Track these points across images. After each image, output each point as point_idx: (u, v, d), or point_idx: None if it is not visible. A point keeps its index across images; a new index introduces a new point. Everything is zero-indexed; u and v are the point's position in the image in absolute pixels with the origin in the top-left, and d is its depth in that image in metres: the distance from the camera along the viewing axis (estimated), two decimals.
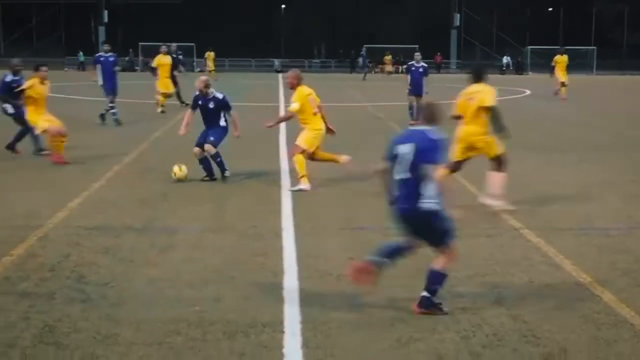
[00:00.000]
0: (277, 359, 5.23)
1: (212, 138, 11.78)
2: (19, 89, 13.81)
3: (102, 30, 71.80)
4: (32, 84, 13.77)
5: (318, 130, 11.49)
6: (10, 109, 14.25)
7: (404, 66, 32.64)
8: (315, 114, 11.47)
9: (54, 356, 5.16)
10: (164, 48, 24.65)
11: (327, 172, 12.19)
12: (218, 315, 5.96)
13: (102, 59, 21.01)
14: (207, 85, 12.04)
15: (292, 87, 11.79)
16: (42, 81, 13.86)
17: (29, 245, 7.92)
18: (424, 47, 42.43)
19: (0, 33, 77.72)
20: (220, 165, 11.89)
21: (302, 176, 11.25)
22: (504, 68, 62.45)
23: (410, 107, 20.52)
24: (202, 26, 69.94)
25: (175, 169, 11.65)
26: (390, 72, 55.21)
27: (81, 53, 61.29)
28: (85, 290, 6.51)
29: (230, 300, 6.31)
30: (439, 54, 66.04)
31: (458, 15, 71.92)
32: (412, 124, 15.46)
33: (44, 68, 14.01)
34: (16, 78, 14.43)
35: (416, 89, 20.35)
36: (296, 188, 11.14)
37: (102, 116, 19.91)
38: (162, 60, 24.12)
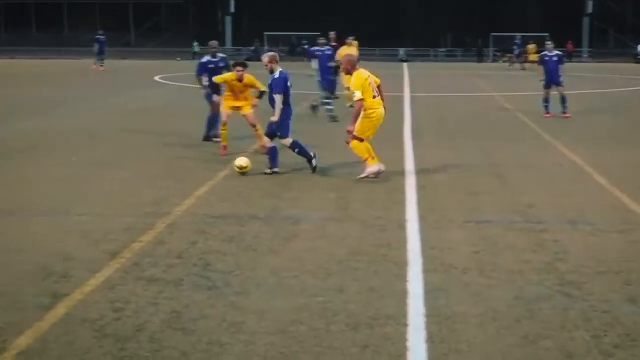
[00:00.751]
0: (401, 353, 5.22)
1: (279, 133, 11.66)
2: (215, 79, 13.98)
3: (228, 20, 73.28)
4: (227, 78, 13.60)
5: (375, 115, 11.10)
6: (206, 85, 14.73)
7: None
8: (374, 97, 11.19)
9: (182, 342, 5.31)
10: (350, 39, 22.70)
11: (453, 162, 12.05)
12: (341, 306, 6.00)
13: (319, 53, 21.00)
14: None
15: (347, 72, 11.61)
16: (239, 78, 13.39)
17: (158, 233, 8.17)
18: (554, 35, 41.33)
19: (132, 24, 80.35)
20: (303, 155, 11.74)
21: (367, 159, 11.02)
22: (639, 57, 60.13)
23: (546, 100, 19.65)
24: (328, 15, 70.29)
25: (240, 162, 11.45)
26: (532, 62, 53.35)
27: (196, 43, 62.75)
28: (211, 277, 6.67)
29: (353, 292, 6.34)
30: (570, 42, 64.18)
31: (591, 2, 69.74)
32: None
33: (239, 68, 13.49)
34: (213, 59, 15.00)
35: (554, 79, 19.58)
36: (364, 175, 11.01)
37: (315, 108, 19.31)
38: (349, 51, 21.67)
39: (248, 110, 13.34)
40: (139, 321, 5.65)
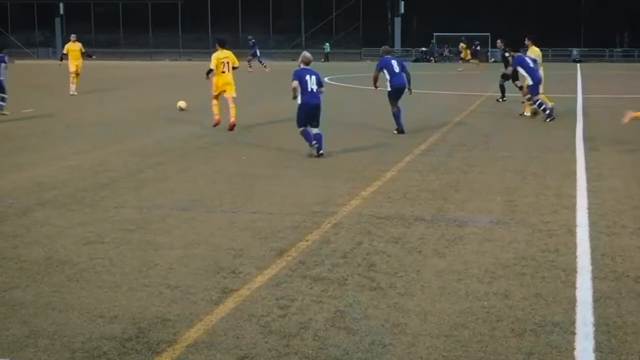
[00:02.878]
0: None
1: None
2: None
3: (397, 21, 73.38)
4: None
5: None
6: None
7: None
8: None
9: (345, 340, 5.35)
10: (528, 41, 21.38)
11: (627, 167, 11.56)
12: (506, 311, 5.88)
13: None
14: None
15: None
16: None
17: (324, 232, 8.28)
18: None
19: (302, 26, 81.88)
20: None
21: None
22: None
23: None
24: (496, 16, 69.10)
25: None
26: None
27: (327, 44, 64.84)
28: (375, 278, 6.69)
29: (519, 297, 6.19)
30: None
31: None
32: None
33: None
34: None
35: None
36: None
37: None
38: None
39: None
40: (303, 319, 5.74)
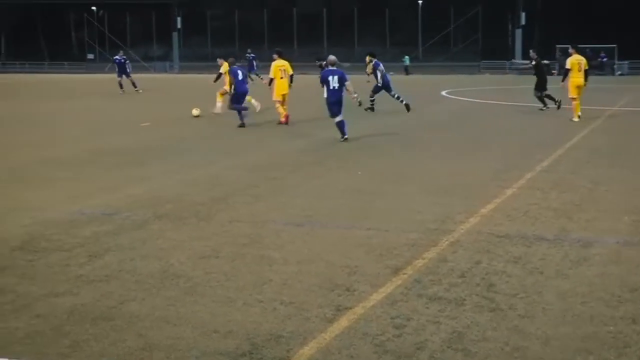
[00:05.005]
0: None
1: None
2: None
3: (518, 33, 72.32)
4: None
5: None
6: None
7: None
8: None
9: None
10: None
11: None
12: (634, 337, 5.67)
13: None
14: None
15: None
16: None
17: (441, 250, 8.20)
18: None
19: (419, 39, 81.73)
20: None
21: None
22: None
23: None
24: (624, 25, 67.18)
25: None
26: None
27: (407, 57, 65.31)
28: (494, 299, 6.58)
29: None
30: None
31: None
32: None
33: None
34: None
35: None
36: None
37: None
38: None
39: None
40: (419, 339, 5.69)
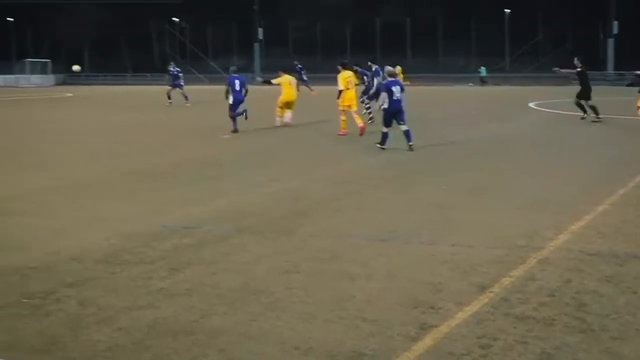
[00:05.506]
0: None
1: None
2: None
3: (610, 42, 70.93)
4: None
5: None
6: None
7: None
8: None
9: None
10: None
11: None
12: None
13: None
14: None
15: None
16: None
17: (529, 268, 8.08)
18: None
19: (507, 49, 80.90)
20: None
21: None
22: None
23: None
24: None
25: None
26: None
27: (483, 68, 63.96)
28: (585, 319, 6.45)
29: None
30: None
31: None
32: None
33: None
34: None
35: None
36: None
37: None
38: None
39: None
40: (506, 359, 5.62)
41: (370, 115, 26.84)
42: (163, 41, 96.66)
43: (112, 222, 10.49)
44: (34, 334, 6.12)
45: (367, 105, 27.77)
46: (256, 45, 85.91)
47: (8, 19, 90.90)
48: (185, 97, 39.51)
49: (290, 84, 26.41)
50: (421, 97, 41.83)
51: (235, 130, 23.76)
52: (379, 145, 18.62)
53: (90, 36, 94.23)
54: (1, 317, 6.54)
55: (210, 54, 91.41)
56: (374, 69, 27.56)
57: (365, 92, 28.08)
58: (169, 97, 39.71)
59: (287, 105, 26.33)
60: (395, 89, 18.45)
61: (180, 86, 40.22)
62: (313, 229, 10.10)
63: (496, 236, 9.55)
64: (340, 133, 22.40)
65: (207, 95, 45.61)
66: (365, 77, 28.10)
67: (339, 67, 23.30)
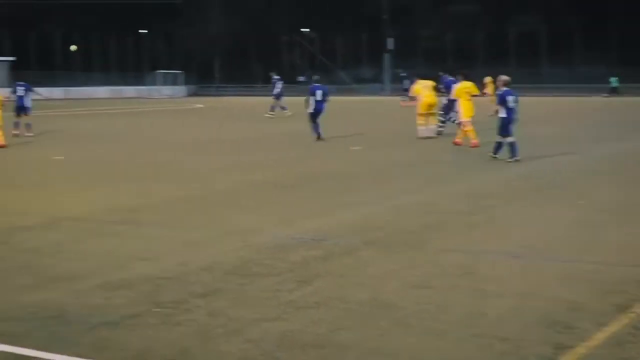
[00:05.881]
0: None
1: None
2: None
3: None
4: None
5: None
6: None
7: None
8: None
9: None
10: None
11: None
12: None
13: None
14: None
15: None
16: None
17: None
18: None
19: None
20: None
21: None
22: None
23: None
24: None
25: None
26: None
27: (615, 78, 62.11)
28: None
29: None
30: None
31: None
32: None
33: None
34: None
35: None
36: None
37: None
38: None
39: None
40: None
41: (441, 129, 26.78)
42: (293, 52, 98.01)
43: (242, 234, 10.66)
44: (165, 344, 6.28)
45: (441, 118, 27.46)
46: (386, 56, 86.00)
47: (141, 31, 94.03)
48: (282, 108, 40.38)
49: (426, 87, 26.10)
50: (541, 107, 40.97)
51: (318, 138, 25.00)
52: (510, 159, 18.45)
53: (221, 48, 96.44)
54: (134, 326, 6.74)
55: (339, 64, 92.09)
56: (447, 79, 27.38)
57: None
58: (283, 108, 40.56)
59: (429, 108, 25.81)
60: (510, 99, 18.50)
61: (276, 96, 41.10)
62: (444, 244, 10.01)
63: (638, 256, 9.23)
64: (471, 145, 22.25)
65: (336, 106, 45.97)
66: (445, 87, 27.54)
67: (459, 77, 23.73)
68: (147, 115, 46.39)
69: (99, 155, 22.15)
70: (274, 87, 41.36)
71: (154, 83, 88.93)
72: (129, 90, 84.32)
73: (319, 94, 25.33)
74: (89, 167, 19.22)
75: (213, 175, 17.28)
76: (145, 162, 20.12)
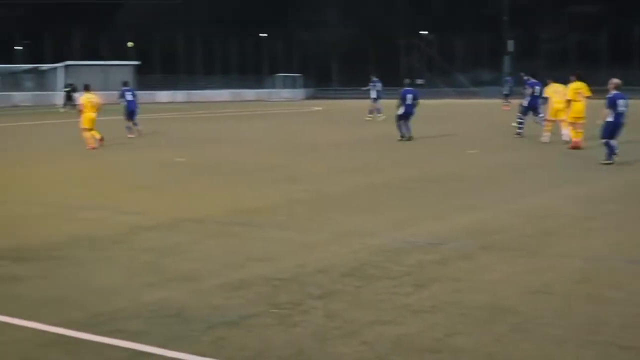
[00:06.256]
0: None
1: None
2: None
3: None
4: None
5: None
6: None
7: None
8: None
9: None
10: None
11: None
12: None
13: None
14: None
15: None
16: None
17: None
18: None
19: None
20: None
21: None
22: None
23: None
24: None
25: None
26: None
27: None
28: None
29: None
30: None
31: None
32: None
33: None
34: None
35: None
36: None
37: None
38: None
39: None
40: None
41: (519, 130, 26.95)
42: (411, 55, 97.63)
43: (358, 236, 10.70)
44: (282, 344, 6.36)
45: (520, 121, 27.53)
46: (506, 58, 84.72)
47: (261, 34, 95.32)
48: (378, 111, 40.44)
49: (558, 92, 25.15)
50: None
51: (402, 137, 26.31)
52: (605, 162, 18.53)
53: (339, 51, 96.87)
54: (251, 326, 6.84)
55: (458, 67, 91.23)
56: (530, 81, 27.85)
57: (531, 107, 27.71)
58: (370, 112, 40.99)
59: (558, 114, 25.01)
60: (621, 102, 18.42)
61: (374, 99, 41.28)
62: (563, 249, 9.80)
63: None
64: (572, 145, 22.50)
65: (454, 109, 45.66)
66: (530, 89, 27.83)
67: (572, 78, 23.35)
68: (265, 118, 46.99)
69: (219, 157, 22.60)
70: (373, 89, 41.44)
71: (273, 86, 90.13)
72: (249, 93, 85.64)
73: (409, 97, 26.60)
74: (210, 169, 19.63)
75: (330, 177, 17.38)
76: (264, 164, 20.38)
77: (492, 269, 8.81)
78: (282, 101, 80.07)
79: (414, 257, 9.38)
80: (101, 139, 25.01)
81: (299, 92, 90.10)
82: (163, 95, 79.74)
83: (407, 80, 28.04)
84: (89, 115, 24.93)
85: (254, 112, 54.00)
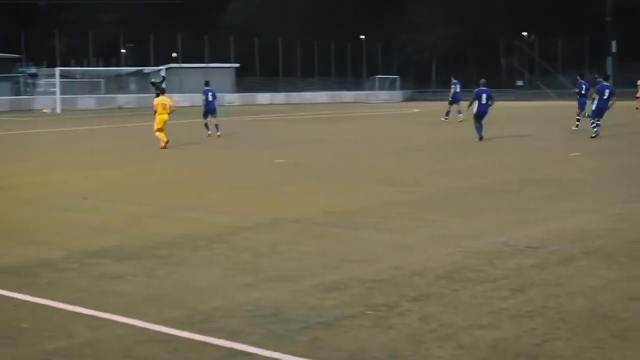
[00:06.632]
0: None
1: None
2: None
3: None
4: None
5: None
6: None
7: None
8: None
9: None
10: None
11: None
12: None
13: None
14: None
15: None
16: None
17: None
18: None
19: None
20: None
21: None
22: None
23: None
24: None
25: None
26: None
27: None
28: None
29: None
30: None
31: None
32: None
33: None
34: None
35: None
36: None
37: None
38: None
39: None
40: None
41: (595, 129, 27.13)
42: (511, 56, 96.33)
43: (456, 238, 10.59)
44: (377, 346, 6.33)
45: (591, 122, 27.68)
46: (608, 59, 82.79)
47: (359, 36, 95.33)
48: (457, 112, 39.86)
49: None
50: None
51: (481, 139, 26.73)
52: None
53: (439, 52, 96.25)
54: (347, 327, 6.84)
55: (560, 68, 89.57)
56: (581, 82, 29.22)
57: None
58: (447, 114, 41.11)
59: None
60: None
61: (457, 101, 40.99)
62: None
63: None
64: None
65: (556, 111, 44.90)
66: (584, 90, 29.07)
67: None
68: (363, 120, 47.04)
69: (317, 158, 22.71)
70: (454, 90, 41.08)
71: (371, 88, 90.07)
72: (348, 95, 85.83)
73: (484, 97, 27.08)
74: (308, 170, 19.75)
75: (427, 179, 17.27)
76: (362, 166, 20.39)
77: (593, 275, 8.60)
78: (380, 103, 79.90)
79: (513, 261, 9.24)
80: (167, 141, 25.71)
81: (397, 94, 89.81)
82: (263, 97, 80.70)
83: (482, 81, 28.04)
84: (162, 117, 26.13)
85: (352, 114, 54.09)
